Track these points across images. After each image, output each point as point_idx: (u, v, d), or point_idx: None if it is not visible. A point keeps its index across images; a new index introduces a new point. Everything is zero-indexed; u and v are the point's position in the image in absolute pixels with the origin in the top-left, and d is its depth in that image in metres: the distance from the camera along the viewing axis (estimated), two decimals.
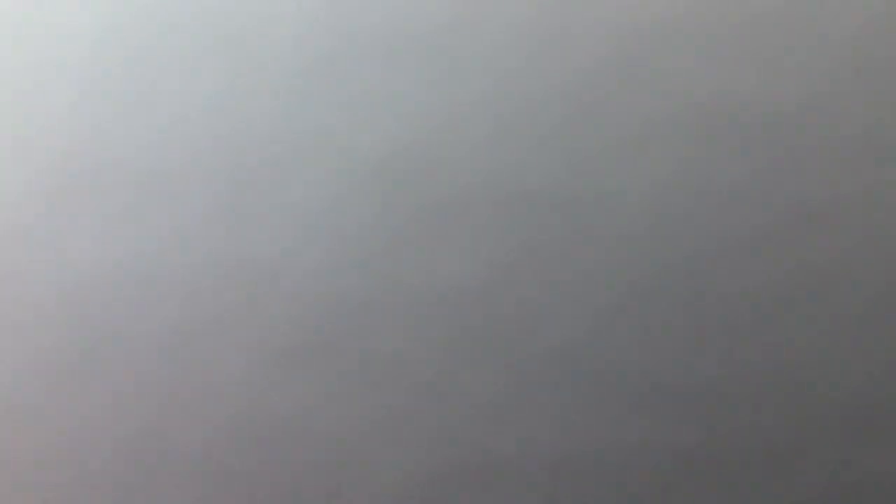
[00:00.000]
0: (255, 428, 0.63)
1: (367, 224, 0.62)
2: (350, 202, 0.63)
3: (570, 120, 0.61)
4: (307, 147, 0.63)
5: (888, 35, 0.58)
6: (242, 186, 0.64)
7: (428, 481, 0.61)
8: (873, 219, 0.58)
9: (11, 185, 0.67)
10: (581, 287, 0.60)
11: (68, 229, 0.66)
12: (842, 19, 0.59)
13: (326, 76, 0.63)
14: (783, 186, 0.59)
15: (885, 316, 0.57)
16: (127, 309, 0.65)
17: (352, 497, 0.62)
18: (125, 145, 0.65)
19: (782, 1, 0.59)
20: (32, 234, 0.66)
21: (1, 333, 0.66)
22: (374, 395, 0.62)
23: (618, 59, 0.60)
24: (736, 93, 0.59)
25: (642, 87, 0.60)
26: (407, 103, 0.62)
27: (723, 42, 0.59)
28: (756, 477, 0.58)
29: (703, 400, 0.59)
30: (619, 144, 0.60)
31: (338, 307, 0.62)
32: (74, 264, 0.66)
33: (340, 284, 0.63)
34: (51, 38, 0.67)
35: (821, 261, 0.58)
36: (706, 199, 0.59)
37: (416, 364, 0.62)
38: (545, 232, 0.61)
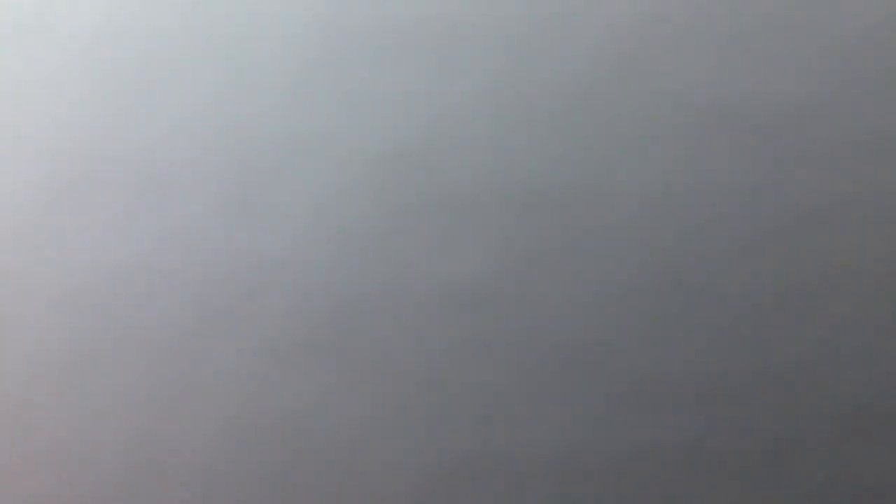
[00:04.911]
0: (257, 425, 0.63)
1: (368, 221, 0.63)
2: (352, 199, 0.63)
3: (571, 117, 0.61)
4: (309, 144, 0.63)
5: (889, 35, 0.58)
6: (244, 185, 0.64)
7: (430, 480, 0.61)
8: (873, 219, 0.58)
9: (13, 185, 0.67)
10: (582, 285, 0.60)
11: (70, 228, 0.66)
12: (842, 19, 0.59)
13: (328, 73, 0.63)
14: (783, 186, 0.59)
15: (885, 316, 0.57)
16: (128, 307, 0.65)
17: (353, 495, 0.62)
18: (126, 144, 0.65)
19: (783, 1, 0.59)
20: (34, 234, 0.66)
21: (4, 333, 0.66)
22: (376, 392, 0.62)
23: (619, 58, 0.60)
24: (736, 92, 0.59)
25: (644, 86, 0.60)
26: (408, 100, 0.62)
27: (723, 41, 0.59)
28: (759, 476, 0.58)
29: (707, 399, 0.59)
30: (620, 142, 0.60)
31: (340, 305, 0.63)
32: (77, 263, 0.66)
33: (342, 282, 0.63)
34: (52, 37, 0.67)
35: (821, 261, 0.58)
36: (708, 198, 0.59)
37: (418, 361, 0.62)
38: (546, 229, 0.61)
